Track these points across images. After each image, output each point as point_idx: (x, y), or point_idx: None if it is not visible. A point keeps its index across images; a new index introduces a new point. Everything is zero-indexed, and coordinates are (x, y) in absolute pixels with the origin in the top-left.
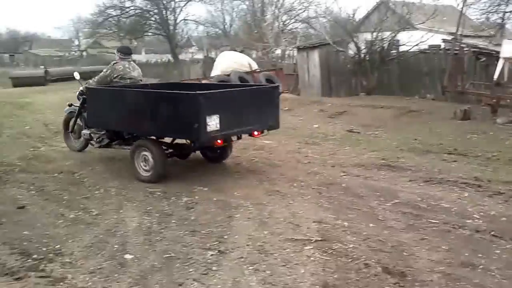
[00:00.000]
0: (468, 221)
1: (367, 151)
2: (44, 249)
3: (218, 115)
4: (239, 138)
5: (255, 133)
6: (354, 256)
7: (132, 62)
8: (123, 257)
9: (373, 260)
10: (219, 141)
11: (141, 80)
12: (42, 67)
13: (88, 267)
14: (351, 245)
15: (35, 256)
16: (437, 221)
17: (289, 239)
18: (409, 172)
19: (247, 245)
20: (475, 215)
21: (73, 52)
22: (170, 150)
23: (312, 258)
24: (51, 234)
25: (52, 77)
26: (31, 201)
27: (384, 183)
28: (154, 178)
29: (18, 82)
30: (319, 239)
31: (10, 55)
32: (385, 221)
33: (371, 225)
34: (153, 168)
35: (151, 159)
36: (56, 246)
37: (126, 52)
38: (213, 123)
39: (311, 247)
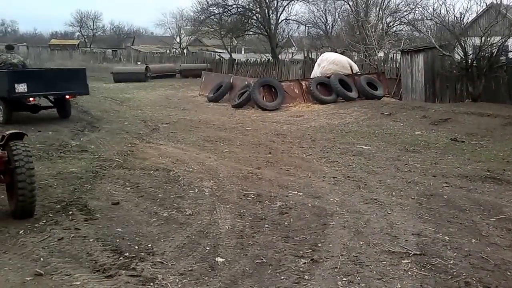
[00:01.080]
0: None
1: (472, 161)
2: (136, 247)
3: (25, 83)
4: (56, 99)
5: (67, 96)
6: (454, 273)
7: (13, 54)
8: (215, 259)
9: (474, 279)
10: (31, 99)
11: (22, 66)
12: (139, 62)
13: (179, 268)
14: (451, 261)
15: (126, 254)
16: None
17: (385, 251)
18: None
19: (342, 255)
20: None
21: (174, 49)
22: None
23: (409, 273)
24: (144, 232)
25: (152, 74)
26: (126, 197)
27: (488, 197)
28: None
29: (119, 77)
30: (418, 253)
31: (113, 50)
32: (489, 237)
33: (473, 240)
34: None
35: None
36: (148, 245)
37: (9, 48)
38: (21, 87)
39: (409, 261)
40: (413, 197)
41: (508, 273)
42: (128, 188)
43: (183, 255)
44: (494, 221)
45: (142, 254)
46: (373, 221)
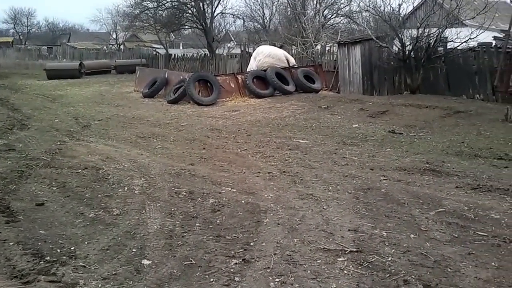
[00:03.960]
0: None
1: (410, 154)
2: (59, 250)
3: None
4: None
5: None
6: (393, 270)
7: None
8: (141, 262)
9: (413, 276)
10: None
11: None
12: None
13: (102, 273)
14: (389, 258)
15: (48, 258)
16: (486, 234)
17: (320, 249)
18: (456, 178)
19: (275, 254)
20: None
21: (111, 46)
22: None
23: (345, 271)
24: (68, 235)
25: (87, 70)
26: (51, 198)
27: (427, 190)
28: None
29: (53, 74)
30: (354, 250)
31: (48, 47)
32: (428, 232)
33: (412, 236)
34: None
35: None
36: (71, 248)
37: None
38: None
39: (345, 258)
40: (350, 192)
41: (449, 270)
42: (54, 188)
43: (108, 258)
44: (434, 215)
45: (64, 257)
46: (308, 217)
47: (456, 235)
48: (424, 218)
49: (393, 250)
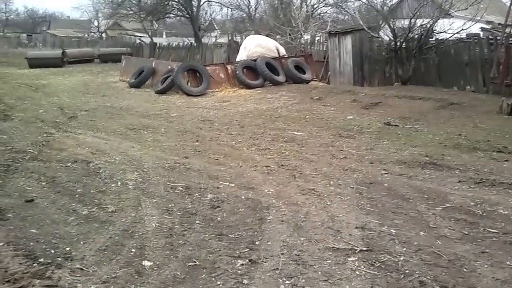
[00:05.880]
0: None
1: (408, 146)
2: (53, 251)
3: None
4: None
5: None
6: (407, 271)
7: None
8: (141, 264)
9: (428, 277)
10: None
11: None
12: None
13: (101, 275)
14: (401, 258)
15: (41, 260)
16: (496, 231)
17: (329, 248)
18: (457, 172)
19: (282, 253)
20: None
21: (92, 34)
22: None
23: (357, 272)
24: (61, 234)
25: (69, 59)
26: (41, 193)
27: (431, 184)
28: None
29: (34, 63)
30: (364, 249)
31: (27, 35)
32: (437, 229)
33: (421, 233)
34: None
35: None
36: (66, 248)
37: None
38: None
39: (355, 258)
40: (352, 186)
41: (465, 270)
42: (44, 183)
43: (106, 259)
44: (441, 211)
45: (59, 259)
46: (313, 214)
47: (466, 232)
48: (432, 214)
49: (404, 249)
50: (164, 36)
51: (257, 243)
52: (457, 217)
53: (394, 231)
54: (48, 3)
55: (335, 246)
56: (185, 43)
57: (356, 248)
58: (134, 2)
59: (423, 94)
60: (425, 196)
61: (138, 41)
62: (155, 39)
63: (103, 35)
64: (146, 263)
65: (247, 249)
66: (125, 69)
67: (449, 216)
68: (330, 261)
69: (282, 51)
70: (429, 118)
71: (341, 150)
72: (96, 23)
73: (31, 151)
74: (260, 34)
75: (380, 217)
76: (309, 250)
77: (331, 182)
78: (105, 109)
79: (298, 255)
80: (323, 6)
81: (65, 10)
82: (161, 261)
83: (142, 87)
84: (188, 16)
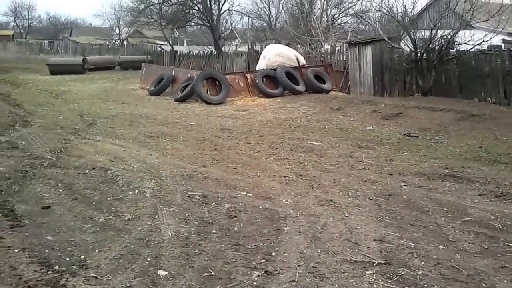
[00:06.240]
0: None
1: (428, 158)
2: (68, 259)
3: None
4: None
5: None
6: (425, 285)
7: None
8: (156, 273)
9: None
10: None
11: None
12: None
13: (116, 284)
14: (419, 271)
15: (56, 267)
16: None
17: (347, 260)
18: (477, 185)
19: (299, 265)
20: None
21: (114, 41)
22: None
23: (375, 286)
24: (77, 241)
25: (90, 66)
26: (58, 200)
27: (450, 197)
28: None
29: (55, 69)
30: (382, 262)
31: (50, 42)
32: (457, 242)
33: (440, 247)
34: None
35: None
36: (81, 256)
37: None
38: None
39: (373, 271)
40: (370, 198)
41: (484, 285)
42: (61, 190)
43: (121, 268)
44: (460, 224)
45: (74, 267)
46: (331, 225)
47: (486, 247)
48: (451, 228)
49: (422, 263)
50: (185, 44)
51: (273, 254)
52: (477, 231)
53: (413, 244)
54: (71, 10)
55: (353, 258)
56: (206, 51)
57: (374, 261)
58: (155, 10)
59: (443, 106)
60: (445, 209)
61: (159, 49)
62: (176, 47)
63: (124, 42)
64: (162, 272)
65: (264, 260)
66: (145, 76)
67: (468, 229)
68: (347, 274)
69: (302, 61)
70: (450, 129)
71: (360, 161)
72: (117, 31)
73: (49, 157)
74: (281, 43)
75: (399, 230)
76: (326, 262)
77: (350, 193)
78: (124, 116)
79: (315, 267)
80: (344, 16)
81: (87, 17)
82: (176, 270)
83: (162, 95)
84: (208, 24)
